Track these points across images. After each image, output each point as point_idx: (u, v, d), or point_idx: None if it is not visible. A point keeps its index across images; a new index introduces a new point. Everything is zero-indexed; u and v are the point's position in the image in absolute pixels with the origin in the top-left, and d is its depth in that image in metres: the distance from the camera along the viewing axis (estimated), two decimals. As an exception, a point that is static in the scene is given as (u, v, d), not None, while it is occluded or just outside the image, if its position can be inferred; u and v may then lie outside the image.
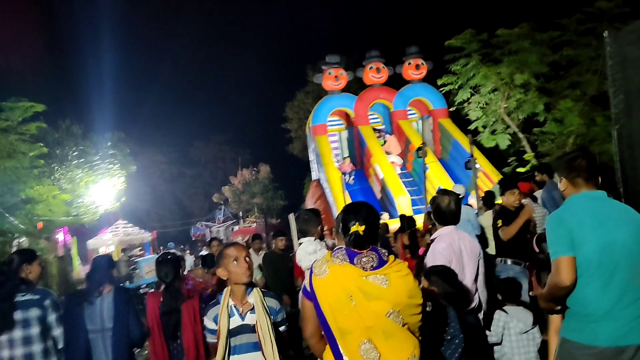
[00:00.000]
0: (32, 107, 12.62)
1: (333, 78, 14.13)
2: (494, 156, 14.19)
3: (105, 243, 23.86)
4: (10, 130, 12.16)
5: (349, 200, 11.76)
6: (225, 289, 2.99)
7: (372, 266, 2.30)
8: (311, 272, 2.39)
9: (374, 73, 14.30)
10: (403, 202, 10.45)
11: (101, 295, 3.74)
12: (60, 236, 20.89)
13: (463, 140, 13.51)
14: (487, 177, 12.25)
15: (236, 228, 31.39)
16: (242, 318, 2.89)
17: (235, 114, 56.14)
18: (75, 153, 18.43)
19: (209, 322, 2.94)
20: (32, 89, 17.69)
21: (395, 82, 14.81)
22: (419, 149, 9.07)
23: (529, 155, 13.32)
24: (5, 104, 12.61)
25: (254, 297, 2.93)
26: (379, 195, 12.66)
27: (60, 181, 18.07)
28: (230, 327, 2.86)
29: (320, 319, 2.32)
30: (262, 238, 14.53)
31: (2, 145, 11.77)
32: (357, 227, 2.36)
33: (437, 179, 12.24)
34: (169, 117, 51.74)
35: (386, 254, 2.41)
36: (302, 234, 4.19)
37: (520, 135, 13.58)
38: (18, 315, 3.49)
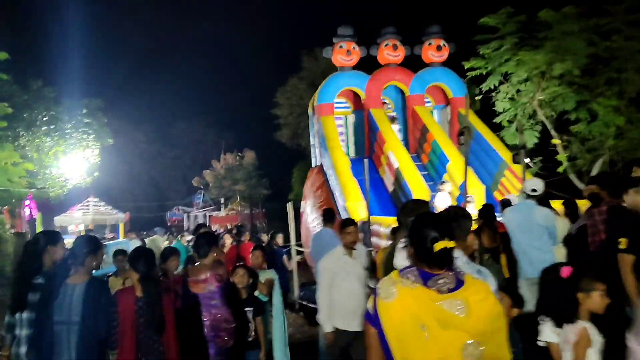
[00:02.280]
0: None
1: (344, 52, 12.41)
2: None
3: (75, 221, 21.78)
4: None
5: (356, 189, 10.15)
6: None
7: (448, 289, 2.02)
8: (375, 294, 2.09)
9: (390, 51, 12.63)
10: (422, 197, 8.80)
11: (72, 288, 3.52)
12: (26, 210, 18.81)
13: (487, 134, 11.98)
14: (515, 175, 10.73)
15: (217, 214, 29.49)
16: None
17: (221, 96, 53.87)
18: (46, 118, 16.41)
19: None
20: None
21: (411, 64, 13.22)
22: (461, 133, 7.47)
23: (561, 156, 11.88)
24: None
25: None
26: (390, 188, 11.06)
27: (26, 148, 16.04)
28: None
29: (384, 348, 2.03)
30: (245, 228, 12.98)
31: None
32: (445, 244, 2.03)
33: (459, 173, 10.68)
34: (151, 94, 49.16)
35: (462, 272, 2.12)
36: (403, 228, 3.44)
37: (554, 133, 12.12)
38: (30, 297, 3.59)
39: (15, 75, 15.95)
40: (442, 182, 10.11)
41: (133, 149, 44.34)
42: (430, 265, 2.04)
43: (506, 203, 7.53)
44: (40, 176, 16.47)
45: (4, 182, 13.29)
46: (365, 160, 7.93)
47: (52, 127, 16.54)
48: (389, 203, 11.00)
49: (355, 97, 13.13)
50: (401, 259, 3.33)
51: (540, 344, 2.99)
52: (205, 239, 4.45)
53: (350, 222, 4.75)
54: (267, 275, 5.15)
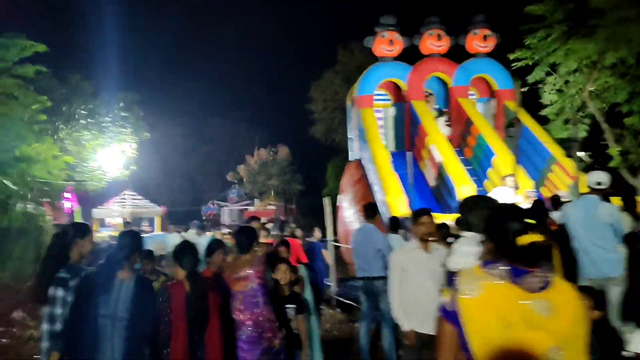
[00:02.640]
0: (32, 46, 10.59)
1: (387, 42, 12.02)
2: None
3: (113, 214, 22.08)
4: (4, 72, 10.18)
5: (397, 184, 9.81)
6: None
7: (539, 287, 1.87)
8: (455, 288, 1.94)
9: (434, 40, 12.17)
10: (467, 194, 8.39)
11: (120, 283, 3.41)
12: (67, 204, 19.14)
13: (534, 127, 11.42)
14: (564, 170, 10.19)
15: (251, 209, 29.49)
16: None
17: (255, 91, 53.84)
18: (84, 112, 16.58)
19: None
20: (38, 35, 15.84)
21: (454, 55, 12.74)
22: (510, 124, 7.01)
23: (613, 150, 11.26)
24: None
25: None
26: (432, 183, 10.66)
27: (65, 142, 16.23)
28: None
29: (462, 347, 1.88)
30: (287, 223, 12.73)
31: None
32: (535, 238, 1.86)
33: (506, 168, 10.23)
34: (186, 89, 49.59)
35: (551, 271, 1.96)
36: (464, 226, 3.16)
37: (604, 126, 11.50)
38: (50, 291, 3.54)
39: (54, 69, 16.13)
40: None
41: (168, 143, 44.78)
42: (516, 261, 1.88)
43: (556, 199, 7.14)
44: (79, 169, 16.64)
45: (44, 174, 13.43)
46: (409, 154, 7.63)
47: (90, 120, 16.67)
48: (430, 199, 10.62)
49: (396, 89, 12.75)
50: (461, 257, 3.06)
51: (627, 354, 2.64)
52: (246, 233, 4.31)
53: (424, 212, 4.24)
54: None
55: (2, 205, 12.08)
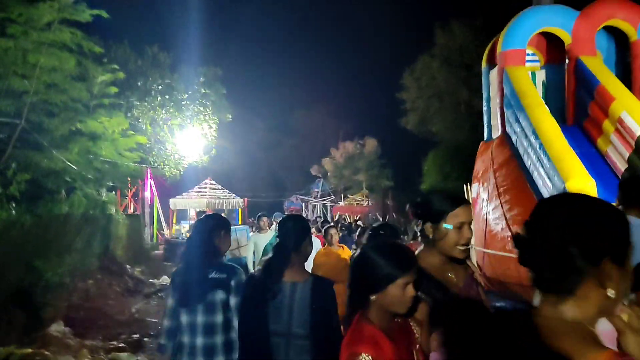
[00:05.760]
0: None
1: (548, -24, 8.81)
2: None
3: (193, 204, 20.18)
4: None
5: (580, 163, 6.77)
6: None
7: None
8: None
9: (615, -26, 8.83)
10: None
11: (293, 285, 2.60)
12: (147, 192, 17.41)
13: None
14: None
15: (340, 204, 26.93)
16: None
17: (342, 81, 51.44)
18: (160, 87, 14.64)
19: None
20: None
21: None
22: None
23: None
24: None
25: None
26: (622, 167, 7.42)
27: (140, 121, 14.32)
28: None
29: None
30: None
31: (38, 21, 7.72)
32: None
33: None
34: (271, 83, 48.04)
35: None
36: None
37: None
38: (209, 296, 2.85)
39: (130, 39, 14.27)
40: None
41: (252, 137, 43.49)
42: None
43: None
44: (154, 152, 14.70)
45: (112, 154, 11.44)
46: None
47: (166, 97, 14.70)
48: (616, 185, 7.39)
49: (549, 46, 9.53)
50: None
51: None
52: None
53: None
54: None
55: (60, 189, 10.15)
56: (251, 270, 7.23)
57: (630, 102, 7.53)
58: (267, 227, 7.69)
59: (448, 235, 2.01)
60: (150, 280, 12.16)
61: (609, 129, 7.74)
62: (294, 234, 2.69)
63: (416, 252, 2.06)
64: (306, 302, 2.59)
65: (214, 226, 3.02)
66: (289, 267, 2.64)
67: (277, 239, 2.79)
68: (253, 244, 7.60)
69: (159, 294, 10.96)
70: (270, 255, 2.72)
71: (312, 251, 3.40)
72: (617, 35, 9.41)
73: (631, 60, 9.06)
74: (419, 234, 2.23)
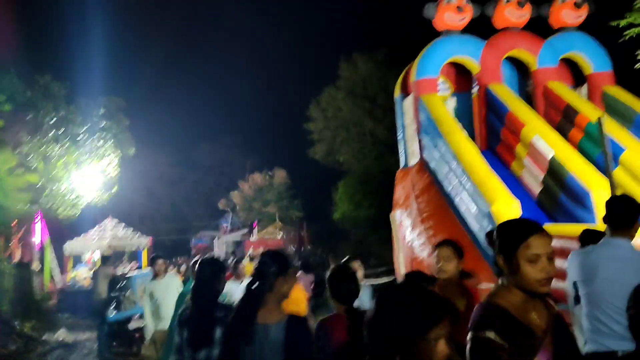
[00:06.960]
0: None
1: (454, 9, 9.04)
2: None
3: (91, 247, 18.50)
4: None
5: (501, 186, 6.88)
6: None
7: None
8: None
9: (514, 8, 9.26)
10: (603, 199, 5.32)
11: (263, 330, 2.55)
12: (36, 237, 15.65)
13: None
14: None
15: (252, 238, 26.14)
16: None
17: (248, 113, 50.96)
18: (54, 120, 13.38)
19: None
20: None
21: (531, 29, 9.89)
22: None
23: None
24: None
25: None
26: (537, 188, 7.66)
27: (30, 157, 12.93)
28: None
29: None
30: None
31: None
32: None
33: (637, 165, 7.37)
34: (173, 111, 46.45)
35: None
36: None
37: None
38: (217, 333, 3.02)
39: (17, 69, 13.00)
40: None
41: (155, 173, 41.53)
42: None
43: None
44: (46, 192, 13.30)
45: (-3, 196, 10.14)
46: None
47: (61, 131, 13.45)
48: (533, 207, 7.62)
49: (458, 75, 9.83)
50: None
51: None
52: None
53: None
54: None
55: None
56: (150, 331, 6.07)
57: (540, 126, 7.84)
58: (164, 272, 6.36)
59: (522, 270, 1.74)
60: (44, 338, 10.70)
61: (522, 153, 7.99)
62: (269, 274, 2.69)
63: (492, 289, 1.80)
64: (279, 346, 2.56)
65: (217, 270, 3.27)
66: (261, 307, 2.67)
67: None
68: (149, 296, 6.21)
69: (55, 352, 9.64)
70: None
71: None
72: (517, 65, 9.92)
73: (532, 89, 9.56)
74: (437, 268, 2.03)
